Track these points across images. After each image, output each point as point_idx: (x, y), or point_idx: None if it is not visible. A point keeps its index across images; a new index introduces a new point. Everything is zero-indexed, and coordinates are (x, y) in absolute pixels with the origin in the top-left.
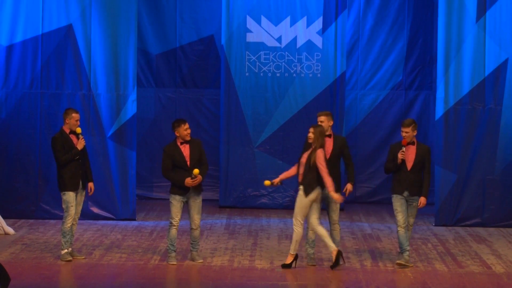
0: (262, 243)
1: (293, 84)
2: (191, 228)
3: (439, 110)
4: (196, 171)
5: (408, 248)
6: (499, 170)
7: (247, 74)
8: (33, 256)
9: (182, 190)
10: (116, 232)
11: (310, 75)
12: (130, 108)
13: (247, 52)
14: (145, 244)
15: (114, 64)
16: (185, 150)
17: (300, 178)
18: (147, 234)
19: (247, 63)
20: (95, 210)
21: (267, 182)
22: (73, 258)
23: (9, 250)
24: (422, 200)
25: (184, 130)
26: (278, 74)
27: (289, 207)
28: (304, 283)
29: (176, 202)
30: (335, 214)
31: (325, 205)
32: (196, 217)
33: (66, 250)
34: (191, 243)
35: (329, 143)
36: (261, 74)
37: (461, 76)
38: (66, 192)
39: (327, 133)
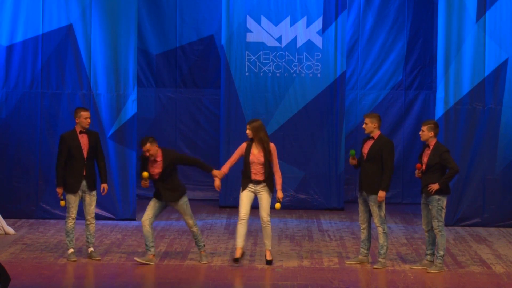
0: (262, 243)
1: (293, 84)
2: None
3: (439, 110)
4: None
5: (428, 252)
6: (499, 170)
7: (247, 74)
8: (33, 256)
9: None
10: (116, 232)
11: (310, 75)
12: (130, 108)
13: (247, 52)
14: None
15: (114, 64)
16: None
17: (261, 177)
18: None
19: (247, 63)
20: (95, 210)
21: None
22: (91, 259)
23: (9, 250)
24: (433, 185)
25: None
26: (278, 74)
27: (290, 207)
28: (304, 283)
29: None
30: (375, 217)
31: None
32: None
33: (71, 250)
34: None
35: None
36: (261, 74)
37: (461, 76)
38: (66, 194)
39: (371, 134)
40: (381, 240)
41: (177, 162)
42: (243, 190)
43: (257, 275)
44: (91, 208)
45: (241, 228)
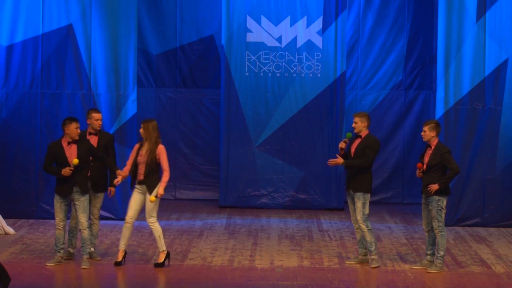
0: (262, 243)
1: (293, 84)
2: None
3: (439, 110)
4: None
5: (428, 252)
6: (499, 170)
7: (247, 74)
8: (33, 256)
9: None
10: (116, 232)
11: (310, 75)
12: (130, 108)
13: (247, 52)
14: (145, 244)
15: (114, 64)
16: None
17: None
18: (147, 234)
19: (247, 63)
20: None
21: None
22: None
23: (9, 250)
24: (433, 185)
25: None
26: (278, 74)
27: (289, 207)
28: (304, 283)
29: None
30: (358, 214)
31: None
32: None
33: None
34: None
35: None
36: (261, 74)
37: (461, 76)
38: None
39: (360, 133)
40: (368, 237)
41: (89, 152)
42: (132, 190)
43: (257, 275)
44: (95, 209)
45: (125, 231)
